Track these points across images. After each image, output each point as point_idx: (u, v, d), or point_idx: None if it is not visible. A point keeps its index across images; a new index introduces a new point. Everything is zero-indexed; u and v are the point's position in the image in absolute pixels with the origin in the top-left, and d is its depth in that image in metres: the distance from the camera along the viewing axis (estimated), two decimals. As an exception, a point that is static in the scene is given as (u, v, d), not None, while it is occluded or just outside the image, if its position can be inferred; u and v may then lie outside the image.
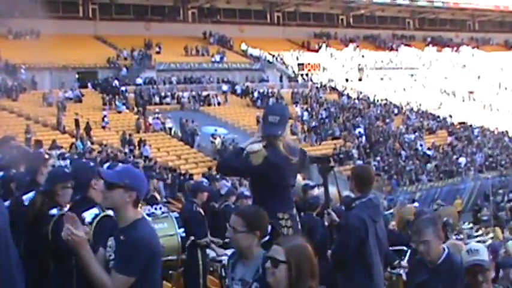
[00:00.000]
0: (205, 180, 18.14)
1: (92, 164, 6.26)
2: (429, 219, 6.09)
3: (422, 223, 6.06)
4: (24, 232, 6.10)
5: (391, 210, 14.99)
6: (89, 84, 48.43)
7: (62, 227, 5.55)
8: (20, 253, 5.24)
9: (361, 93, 60.13)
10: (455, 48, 78.66)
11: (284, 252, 4.05)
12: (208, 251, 11.28)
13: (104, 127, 40.99)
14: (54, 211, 6.07)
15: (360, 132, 49.88)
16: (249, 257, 5.05)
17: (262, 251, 4.97)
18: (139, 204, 5.06)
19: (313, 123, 49.33)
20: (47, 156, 8.26)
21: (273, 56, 62.67)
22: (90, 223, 5.27)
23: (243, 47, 62.51)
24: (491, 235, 20.90)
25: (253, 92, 53.21)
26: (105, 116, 41.51)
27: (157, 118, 43.33)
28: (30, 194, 6.57)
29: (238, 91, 53.81)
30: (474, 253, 5.44)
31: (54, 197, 6.21)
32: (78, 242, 4.69)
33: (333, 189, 9.78)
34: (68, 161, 18.75)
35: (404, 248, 10.04)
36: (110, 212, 5.30)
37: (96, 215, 5.49)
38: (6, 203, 5.43)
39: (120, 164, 5.61)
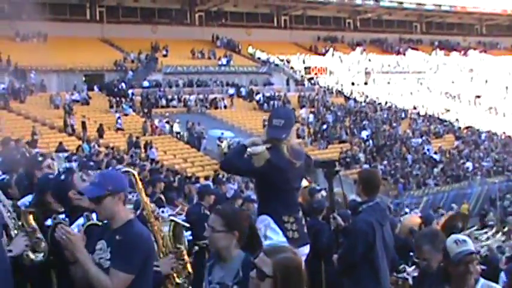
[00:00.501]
0: (210, 183, 18.15)
1: (62, 176, 6.03)
2: (427, 235, 6.06)
3: (421, 239, 6.09)
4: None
5: (401, 219, 14.94)
6: (96, 87, 48.43)
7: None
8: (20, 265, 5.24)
9: (367, 97, 60.06)
10: (462, 52, 78.50)
11: (271, 265, 3.87)
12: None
13: (118, 129, 41.12)
14: (48, 222, 5.95)
15: (366, 136, 49.81)
16: (227, 259, 4.94)
17: (242, 253, 4.92)
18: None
19: (320, 127, 49.25)
20: (40, 158, 8.08)
21: (280, 59, 62.63)
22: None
23: (250, 50, 62.48)
24: (499, 236, 20.78)
25: (259, 96, 53.16)
26: (118, 117, 41.67)
27: (165, 121, 43.37)
28: (27, 198, 6.49)
29: (245, 94, 53.75)
30: (463, 243, 5.37)
31: (47, 205, 6.09)
32: (73, 241, 4.72)
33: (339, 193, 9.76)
34: (75, 164, 18.71)
35: (411, 254, 9.99)
36: (95, 219, 5.35)
37: (82, 225, 5.43)
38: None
39: (92, 173, 5.50)
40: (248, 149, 6.53)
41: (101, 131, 38.36)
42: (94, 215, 5.46)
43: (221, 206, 5.43)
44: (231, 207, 5.72)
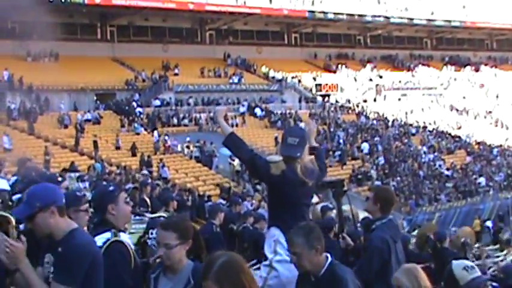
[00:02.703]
0: (222, 201, 18.17)
1: (111, 188, 6.17)
2: (302, 228, 5.62)
3: (293, 233, 5.62)
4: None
5: (414, 232, 14.95)
6: (107, 106, 48.53)
7: None
8: None
9: (378, 114, 60.00)
10: (473, 68, 78.41)
11: (214, 276, 3.81)
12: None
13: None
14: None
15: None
16: (177, 270, 4.81)
17: (190, 262, 4.85)
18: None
19: (331, 145, 49.24)
20: (60, 178, 8.17)
21: (291, 77, 62.70)
22: (100, 247, 5.22)
23: (264, 69, 62.51)
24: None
25: (271, 113, 53.18)
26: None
27: (171, 140, 43.43)
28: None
29: (257, 112, 53.75)
30: (473, 270, 5.32)
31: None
32: (17, 253, 4.61)
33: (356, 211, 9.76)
34: (87, 184, 18.75)
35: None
36: (123, 237, 5.35)
37: (108, 240, 5.45)
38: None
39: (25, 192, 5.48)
40: (267, 157, 6.69)
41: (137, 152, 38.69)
42: (122, 234, 5.53)
43: (165, 220, 5.32)
44: (176, 217, 5.63)
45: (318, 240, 5.40)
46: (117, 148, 41.13)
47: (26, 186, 9.09)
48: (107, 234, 5.49)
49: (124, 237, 5.47)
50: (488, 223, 39.49)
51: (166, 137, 43.45)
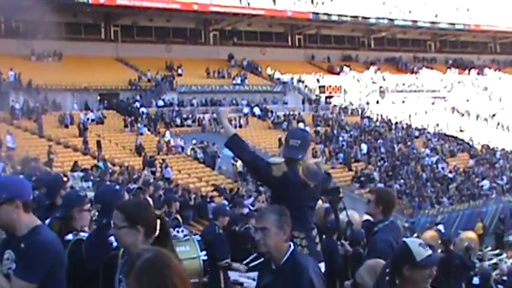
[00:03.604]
0: (226, 202, 18.20)
1: (117, 187, 6.18)
2: (277, 208, 5.49)
3: (267, 209, 5.56)
4: None
5: (415, 235, 14.91)
6: (110, 106, 48.57)
7: (78, 251, 5.51)
8: None
9: (381, 116, 59.99)
10: (476, 71, 78.34)
11: (135, 273, 3.53)
12: (230, 273, 11.27)
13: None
14: (69, 236, 5.98)
15: (381, 155, 49.75)
16: None
17: None
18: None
19: (335, 146, 49.25)
20: (65, 178, 8.20)
21: (295, 78, 62.70)
22: (117, 248, 5.19)
23: (270, 71, 62.48)
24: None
25: (274, 115, 53.21)
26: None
27: (179, 140, 43.49)
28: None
29: (259, 113, 53.76)
30: (427, 247, 5.21)
31: (71, 222, 6.13)
32: None
33: (353, 214, 9.78)
34: (90, 183, 18.82)
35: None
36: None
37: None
38: None
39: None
40: (269, 159, 6.70)
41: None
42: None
43: (123, 201, 5.22)
44: (133, 200, 5.52)
45: (287, 225, 5.27)
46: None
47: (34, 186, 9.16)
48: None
49: None
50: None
51: (178, 138, 43.60)
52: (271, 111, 54.08)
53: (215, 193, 36.03)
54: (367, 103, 62.88)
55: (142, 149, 40.47)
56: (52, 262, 4.65)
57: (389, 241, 6.88)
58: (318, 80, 64.24)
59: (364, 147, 50.17)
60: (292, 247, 5.35)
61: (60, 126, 42.57)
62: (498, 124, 64.83)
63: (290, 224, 5.31)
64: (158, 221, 4.69)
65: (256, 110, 53.84)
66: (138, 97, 50.54)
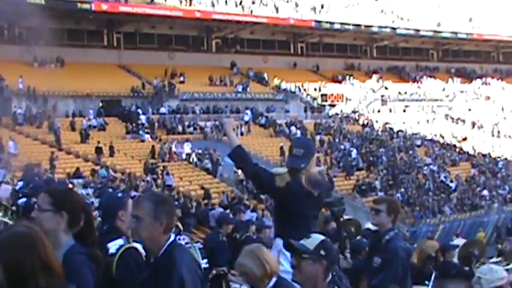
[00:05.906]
0: (221, 209, 18.15)
1: (120, 194, 6.16)
2: (155, 195, 5.27)
3: (144, 196, 5.18)
4: None
5: (415, 245, 14.90)
6: (113, 113, 48.53)
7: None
8: None
9: (383, 125, 59.94)
10: (479, 80, 78.30)
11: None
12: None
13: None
14: (119, 241, 5.96)
15: (382, 164, 49.71)
16: (55, 245, 4.16)
17: (71, 242, 4.41)
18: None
19: (336, 155, 49.22)
20: (70, 185, 8.20)
21: (298, 86, 62.72)
22: (114, 254, 5.15)
23: (276, 81, 62.41)
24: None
25: (275, 122, 53.18)
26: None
27: (181, 147, 43.47)
28: None
29: (262, 121, 53.73)
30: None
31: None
32: None
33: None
34: (89, 190, 18.79)
35: (426, 282, 9.93)
36: (136, 244, 5.23)
37: (121, 246, 5.38)
38: None
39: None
40: (273, 170, 6.71)
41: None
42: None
43: (53, 186, 5.09)
44: (64, 187, 5.41)
45: (166, 215, 4.77)
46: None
47: (32, 192, 9.15)
48: (120, 241, 5.45)
49: (136, 244, 5.40)
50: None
51: (179, 145, 43.62)
52: (274, 119, 53.98)
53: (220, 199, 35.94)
54: (370, 111, 62.86)
55: (151, 156, 40.60)
56: None
57: (405, 248, 6.97)
58: (320, 88, 64.22)
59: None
60: (171, 240, 4.82)
61: (62, 132, 42.53)
62: (500, 133, 64.75)
63: (171, 214, 4.87)
64: (83, 214, 4.53)
65: (262, 120, 53.79)
66: (140, 104, 50.51)
